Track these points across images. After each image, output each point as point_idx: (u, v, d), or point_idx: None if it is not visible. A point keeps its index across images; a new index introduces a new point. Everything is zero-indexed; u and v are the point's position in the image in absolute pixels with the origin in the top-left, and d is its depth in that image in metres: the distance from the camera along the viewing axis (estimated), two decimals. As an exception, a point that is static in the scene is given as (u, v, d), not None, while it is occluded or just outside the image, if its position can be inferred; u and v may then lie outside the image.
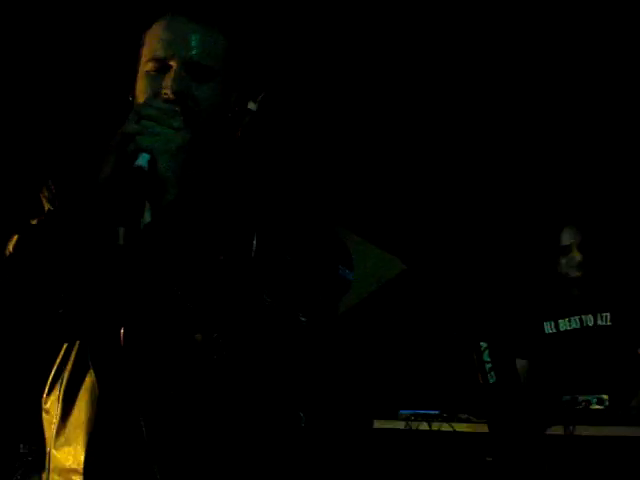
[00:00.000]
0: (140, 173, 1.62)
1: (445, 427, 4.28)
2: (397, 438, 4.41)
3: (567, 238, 4.30)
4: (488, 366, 3.78)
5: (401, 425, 4.43)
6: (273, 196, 1.89)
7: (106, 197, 1.65)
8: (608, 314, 4.24)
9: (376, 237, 5.56)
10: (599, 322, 4.24)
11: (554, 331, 4.33)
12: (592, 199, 4.98)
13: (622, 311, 4.22)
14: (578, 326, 4.29)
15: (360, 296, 5.54)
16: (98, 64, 4.60)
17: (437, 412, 4.39)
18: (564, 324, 4.33)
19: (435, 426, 4.32)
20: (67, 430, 1.80)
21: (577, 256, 4.24)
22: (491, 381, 3.73)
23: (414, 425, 4.37)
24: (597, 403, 3.85)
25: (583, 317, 4.28)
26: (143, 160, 1.63)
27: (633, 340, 4.18)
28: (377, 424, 4.61)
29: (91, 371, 1.79)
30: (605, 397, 3.83)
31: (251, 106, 2.65)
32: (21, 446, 3.93)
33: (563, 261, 4.31)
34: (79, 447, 1.76)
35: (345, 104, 5.18)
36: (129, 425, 1.72)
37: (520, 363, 4.45)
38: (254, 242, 1.76)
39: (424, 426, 4.35)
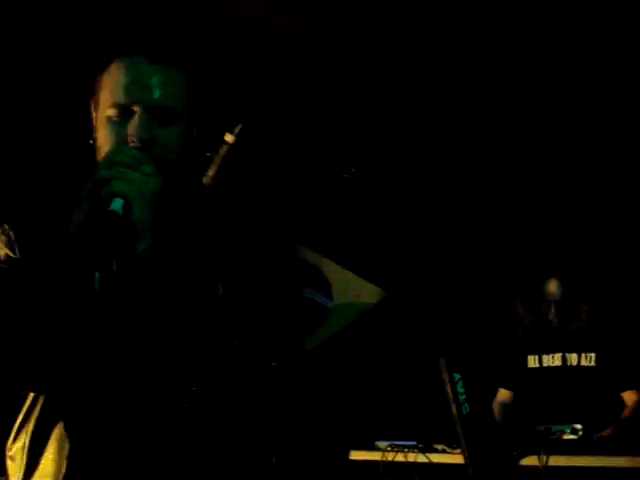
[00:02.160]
0: (115, 217, 1.63)
1: (421, 458, 4.29)
2: (373, 469, 4.41)
3: (551, 291, 4.38)
4: (462, 397, 3.80)
5: (377, 456, 4.43)
6: (242, 236, 1.90)
7: (80, 242, 1.64)
8: (593, 355, 4.29)
9: (357, 265, 5.59)
10: (583, 362, 4.29)
11: (537, 366, 4.39)
12: (577, 250, 5.06)
13: (607, 353, 4.27)
14: (560, 364, 4.35)
15: (340, 325, 5.56)
16: (50, 104, 4.59)
17: (413, 443, 4.40)
18: (547, 359, 4.38)
19: (411, 457, 4.33)
20: None
21: (559, 310, 4.32)
22: (465, 412, 3.74)
23: (390, 456, 4.37)
24: (571, 433, 3.88)
25: (567, 355, 4.34)
26: (117, 205, 1.63)
27: (616, 383, 4.22)
28: (353, 455, 4.61)
29: (60, 422, 1.77)
30: (579, 427, 3.86)
31: (228, 138, 2.67)
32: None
33: (547, 311, 4.39)
34: None
35: (320, 129, 5.21)
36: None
37: (503, 393, 4.49)
38: (220, 287, 1.76)
39: (400, 457, 4.35)
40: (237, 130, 2.67)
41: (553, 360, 4.37)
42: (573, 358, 4.35)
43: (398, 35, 4.52)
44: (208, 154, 2.37)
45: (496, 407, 4.49)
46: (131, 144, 1.76)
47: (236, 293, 1.77)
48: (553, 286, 4.39)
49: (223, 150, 2.65)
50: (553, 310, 4.35)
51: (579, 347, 4.34)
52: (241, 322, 1.74)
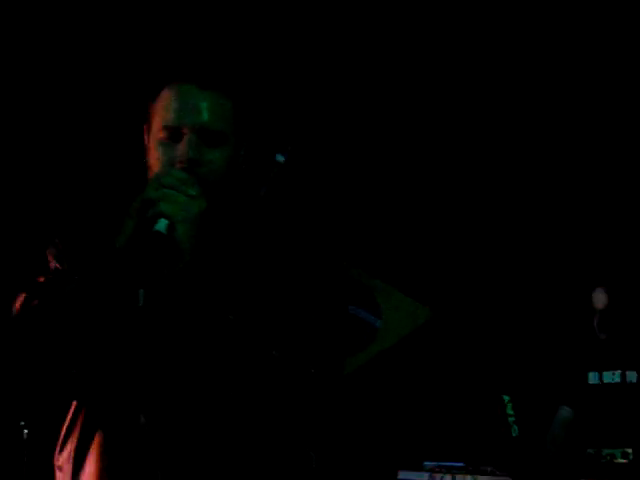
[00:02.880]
0: (159, 237, 1.68)
1: (469, 479, 4.27)
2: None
3: (597, 301, 4.33)
4: (511, 419, 3.78)
5: (425, 477, 4.42)
6: (288, 250, 1.94)
7: (125, 259, 1.70)
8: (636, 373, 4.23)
9: (405, 285, 5.59)
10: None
11: (598, 382, 4.35)
12: (624, 260, 5.00)
13: None
14: (620, 380, 4.29)
15: (388, 342, 5.56)
16: (105, 126, 4.69)
17: (461, 464, 4.38)
18: (608, 376, 4.33)
19: (459, 478, 4.31)
20: None
21: (607, 320, 4.28)
22: (514, 434, 3.72)
23: (438, 476, 4.36)
24: (621, 457, 3.83)
25: (627, 372, 4.29)
26: (162, 225, 1.69)
27: None
28: (401, 475, 4.60)
29: (100, 432, 1.81)
30: (629, 451, 3.81)
31: (279, 158, 2.71)
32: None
33: (595, 323, 4.36)
34: None
35: (366, 151, 5.24)
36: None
37: (565, 411, 4.44)
38: (260, 300, 1.81)
39: (448, 478, 4.34)
40: (288, 150, 2.71)
41: (613, 377, 4.33)
42: (633, 375, 4.30)
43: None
44: (259, 175, 2.41)
45: (557, 425, 4.43)
46: (178, 165, 1.81)
47: (277, 305, 1.82)
48: (599, 296, 4.34)
49: (274, 170, 2.68)
50: (598, 321, 4.30)
51: (639, 364, 4.29)
52: (278, 333, 1.78)
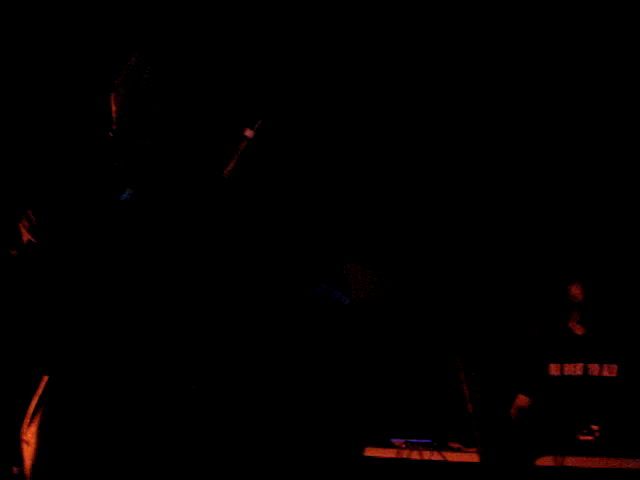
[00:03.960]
0: (125, 205, 1.67)
1: (436, 456, 4.29)
2: (388, 467, 4.41)
3: (573, 296, 4.34)
4: (478, 396, 3.80)
5: (393, 453, 4.43)
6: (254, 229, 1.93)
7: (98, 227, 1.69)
8: (616, 366, 4.25)
9: (372, 262, 5.60)
10: (604, 373, 4.27)
11: (558, 374, 4.36)
12: (600, 254, 5.03)
13: (631, 365, 4.23)
14: (581, 373, 4.31)
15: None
16: (71, 94, 4.61)
17: (429, 441, 4.40)
18: (569, 368, 4.35)
19: (426, 454, 4.33)
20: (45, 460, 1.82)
21: (582, 315, 4.30)
22: (480, 411, 3.74)
23: (405, 453, 4.37)
24: (586, 433, 3.86)
25: (588, 365, 4.30)
26: (126, 195, 1.68)
27: (638, 394, 4.18)
28: (368, 452, 4.61)
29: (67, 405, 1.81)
30: (595, 427, 3.84)
31: (248, 133, 2.68)
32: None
33: (569, 317, 4.37)
34: None
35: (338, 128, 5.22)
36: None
37: (522, 399, 4.47)
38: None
39: (415, 455, 4.35)
40: (257, 125, 2.68)
41: (575, 369, 4.34)
42: (595, 368, 4.32)
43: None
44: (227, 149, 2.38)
45: (513, 412, 4.47)
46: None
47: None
48: (576, 290, 4.35)
49: (242, 145, 2.65)
50: (576, 316, 4.31)
51: (602, 357, 4.31)
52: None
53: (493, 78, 4.83)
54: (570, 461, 3.72)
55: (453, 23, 4.47)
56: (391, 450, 4.47)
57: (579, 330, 4.35)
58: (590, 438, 3.80)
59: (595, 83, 4.75)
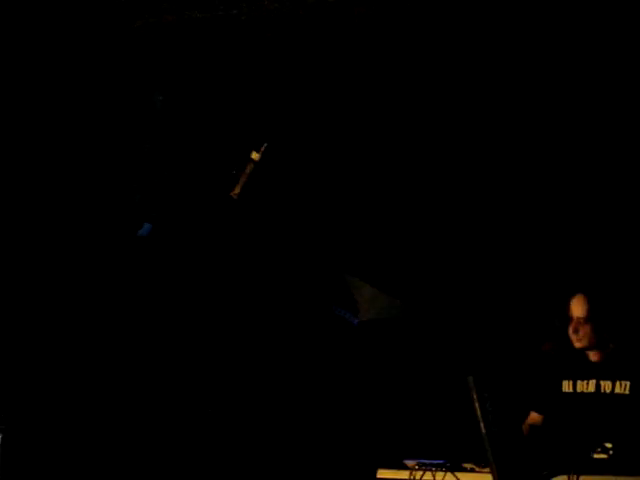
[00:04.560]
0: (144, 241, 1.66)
1: (449, 477, 4.26)
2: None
3: (574, 309, 4.30)
4: (491, 416, 3.77)
5: (405, 475, 4.41)
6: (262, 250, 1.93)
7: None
8: (628, 383, 4.21)
9: (378, 281, 5.59)
10: (617, 390, 4.23)
11: (571, 391, 4.33)
12: (602, 270, 5.01)
13: None
14: (594, 390, 4.27)
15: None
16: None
17: (442, 462, 4.37)
18: (581, 385, 4.32)
19: (439, 476, 4.30)
20: None
21: (583, 329, 4.25)
22: (494, 431, 3.72)
23: (418, 475, 4.34)
24: (601, 452, 3.83)
25: (601, 382, 4.27)
26: (146, 230, 1.67)
27: None
28: (381, 473, 4.58)
29: None
30: (609, 445, 3.81)
31: (254, 156, 2.69)
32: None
33: (570, 331, 4.32)
34: None
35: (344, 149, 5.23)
36: None
37: (534, 417, 4.44)
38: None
39: (428, 476, 4.32)
40: (263, 148, 2.68)
41: (587, 386, 4.31)
42: (607, 385, 4.28)
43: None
44: (234, 172, 2.39)
45: (525, 429, 4.44)
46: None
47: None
48: (577, 303, 4.32)
49: (249, 168, 2.65)
50: (575, 330, 4.27)
51: (614, 375, 4.27)
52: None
53: (490, 80, 4.84)
54: (584, 480, 3.70)
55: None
56: (404, 472, 4.44)
57: (578, 343, 4.30)
58: (604, 456, 3.77)
59: (592, 86, 4.75)
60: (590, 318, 4.25)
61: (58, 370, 1.60)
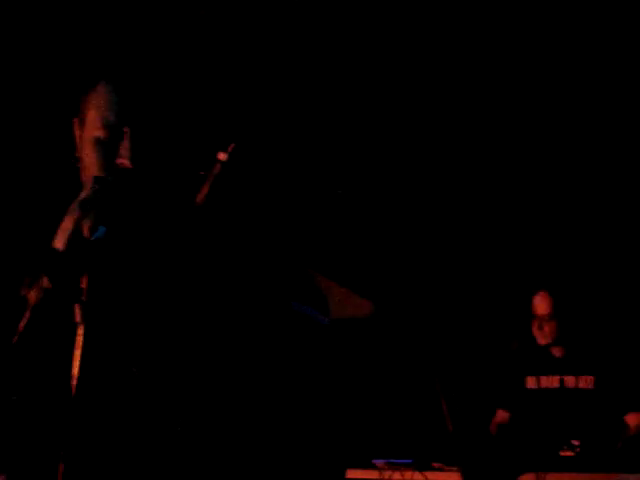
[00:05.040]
0: (98, 244, 1.63)
1: (418, 476, 4.27)
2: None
3: (538, 307, 4.32)
4: (458, 415, 3.79)
5: (374, 474, 4.41)
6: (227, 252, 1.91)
7: (64, 263, 1.64)
8: (592, 378, 4.24)
9: (350, 281, 5.59)
10: (581, 385, 4.25)
11: (535, 387, 4.35)
12: (564, 267, 5.05)
13: (606, 377, 4.21)
14: (558, 385, 4.30)
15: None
16: (30, 120, 4.55)
17: (410, 461, 4.38)
18: (546, 381, 4.33)
19: (408, 475, 4.31)
20: None
21: (548, 326, 4.27)
22: (460, 429, 3.74)
23: (387, 474, 4.35)
24: (567, 449, 3.86)
25: (565, 378, 4.29)
26: (101, 233, 1.63)
27: (615, 406, 4.16)
28: (350, 474, 4.58)
29: None
30: (575, 443, 3.84)
31: (221, 157, 2.66)
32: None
33: (535, 328, 4.34)
34: None
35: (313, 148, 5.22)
36: None
37: (501, 414, 4.45)
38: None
39: (397, 475, 4.33)
40: (230, 149, 2.67)
41: (551, 382, 4.33)
42: (571, 381, 4.31)
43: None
44: (201, 173, 2.37)
45: (493, 427, 4.46)
46: (120, 166, 1.75)
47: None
48: (540, 300, 4.34)
49: (216, 169, 2.64)
50: (539, 327, 4.30)
51: (577, 370, 4.29)
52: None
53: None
54: (551, 477, 3.72)
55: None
56: (373, 471, 4.45)
57: (543, 340, 4.32)
58: (571, 454, 3.80)
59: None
60: (554, 315, 4.28)
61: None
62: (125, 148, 1.80)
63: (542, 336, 4.30)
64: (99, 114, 1.82)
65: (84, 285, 1.57)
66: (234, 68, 4.53)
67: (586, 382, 4.27)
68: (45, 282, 1.68)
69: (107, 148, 1.81)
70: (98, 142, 1.82)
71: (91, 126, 1.84)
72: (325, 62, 4.72)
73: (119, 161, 1.79)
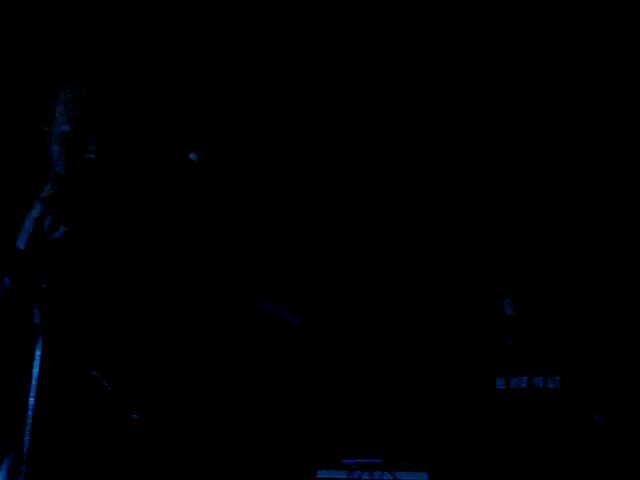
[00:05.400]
0: (58, 244, 1.60)
1: (387, 476, 4.29)
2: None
3: (506, 310, 4.36)
4: (426, 415, 3.82)
5: (344, 475, 4.43)
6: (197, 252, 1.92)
7: (25, 262, 1.63)
8: (560, 378, 4.27)
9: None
10: (549, 384, 4.28)
11: (504, 387, 4.37)
12: (533, 270, 5.07)
13: (574, 376, 4.25)
14: (526, 386, 4.32)
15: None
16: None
17: (380, 461, 4.40)
18: (515, 382, 4.35)
19: (377, 474, 4.33)
20: None
21: (517, 328, 4.31)
22: (429, 429, 3.76)
23: (356, 474, 4.37)
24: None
25: (533, 378, 4.32)
26: (61, 233, 1.60)
27: (583, 404, 4.19)
28: (320, 473, 4.60)
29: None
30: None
31: (192, 156, 2.67)
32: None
33: (505, 331, 4.37)
34: None
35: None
36: None
37: (470, 414, 4.48)
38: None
39: (367, 475, 4.35)
40: (201, 149, 2.68)
41: (520, 382, 4.35)
42: (539, 381, 4.34)
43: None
44: (173, 172, 2.38)
45: (462, 427, 4.47)
46: (89, 160, 1.76)
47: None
48: (508, 303, 4.38)
49: (188, 168, 2.65)
50: (507, 329, 4.33)
51: (545, 370, 4.33)
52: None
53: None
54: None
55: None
56: (342, 471, 4.46)
57: (512, 341, 4.35)
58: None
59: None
60: (523, 317, 4.31)
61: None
62: (92, 143, 1.80)
63: (511, 338, 4.33)
64: (66, 109, 1.82)
65: (44, 285, 1.55)
66: (209, 62, 4.52)
67: (554, 382, 4.30)
68: (5, 281, 1.67)
69: (74, 143, 1.80)
70: (65, 137, 1.81)
71: (58, 121, 1.83)
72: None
73: (86, 156, 1.79)
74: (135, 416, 1.69)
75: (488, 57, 4.73)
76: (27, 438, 1.45)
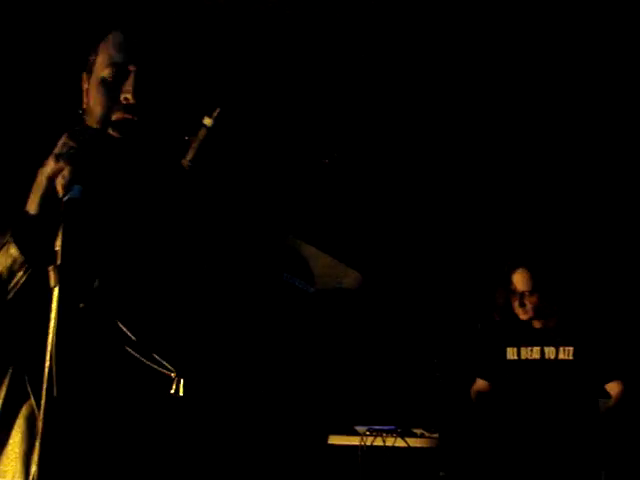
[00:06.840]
0: (74, 204, 1.54)
1: (399, 442, 4.31)
2: (352, 454, 4.43)
3: (518, 284, 4.31)
4: (440, 382, 3.83)
5: (356, 440, 4.45)
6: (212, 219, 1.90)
7: (38, 229, 1.60)
8: (572, 349, 4.25)
9: (337, 251, 5.60)
10: (561, 356, 4.26)
11: (515, 358, 4.35)
12: (544, 242, 5.06)
13: (586, 347, 4.22)
14: (539, 357, 4.30)
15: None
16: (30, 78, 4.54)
17: (392, 427, 4.42)
18: (526, 352, 4.33)
19: (389, 441, 4.35)
20: (2, 462, 1.72)
21: (529, 301, 4.27)
22: (441, 397, 3.77)
23: (369, 440, 4.39)
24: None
25: (545, 348, 4.29)
26: (76, 192, 1.56)
27: (595, 375, 4.17)
28: (332, 439, 4.63)
29: (30, 400, 1.70)
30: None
31: (206, 121, 2.66)
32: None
33: (516, 304, 4.33)
34: None
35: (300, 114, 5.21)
36: (74, 459, 1.61)
37: (480, 383, 4.47)
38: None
39: (379, 441, 4.37)
40: (216, 113, 2.66)
41: (532, 353, 4.33)
42: (551, 352, 4.31)
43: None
44: (186, 138, 2.36)
45: (473, 396, 4.47)
46: (124, 102, 1.75)
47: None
48: (520, 277, 4.33)
49: (201, 134, 2.63)
50: (520, 304, 4.29)
51: (557, 341, 4.30)
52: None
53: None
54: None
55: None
56: (355, 437, 4.49)
57: (524, 315, 4.32)
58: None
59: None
60: (535, 290, 4.28)
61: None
62: (129, 84, 1.80)
63: (523, 312, 4.30)
64: (106, 55, 1.82)
65: (58, 247, 1.51)
66: (229, 34, 4.51)
67: (566, 353, 4.28)
68: (13, 249, 1.65)
69: (112, 87, 1.79)
70: (104, 82, 1.80)
71: (98, 69, 1.83)
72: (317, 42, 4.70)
73: (123, 97, 1.78)
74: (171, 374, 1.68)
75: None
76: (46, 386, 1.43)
